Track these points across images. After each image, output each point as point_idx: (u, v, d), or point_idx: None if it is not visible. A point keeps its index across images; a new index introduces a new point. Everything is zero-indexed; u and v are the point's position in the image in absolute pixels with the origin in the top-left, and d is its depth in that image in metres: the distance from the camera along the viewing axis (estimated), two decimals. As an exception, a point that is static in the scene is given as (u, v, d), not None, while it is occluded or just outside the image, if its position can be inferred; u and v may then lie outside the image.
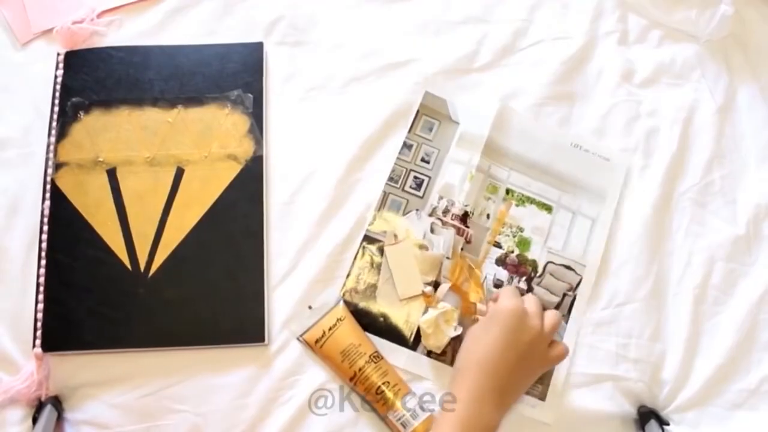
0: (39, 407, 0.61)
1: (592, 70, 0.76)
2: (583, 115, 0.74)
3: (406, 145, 0.71)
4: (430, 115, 0.73)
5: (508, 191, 0.71)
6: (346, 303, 0.66)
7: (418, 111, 0.73)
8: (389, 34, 0.76)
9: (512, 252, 0.69)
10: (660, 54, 0.77)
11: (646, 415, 0.63)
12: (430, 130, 0.72)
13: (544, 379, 0.64)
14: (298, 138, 0.71)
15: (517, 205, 0.70)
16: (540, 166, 0.72)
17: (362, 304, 0.66)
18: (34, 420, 0.60)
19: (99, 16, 0.75)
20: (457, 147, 0.72)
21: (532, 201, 0.70)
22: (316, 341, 0.64)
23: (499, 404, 0.56)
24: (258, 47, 0.74)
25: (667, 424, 0.62)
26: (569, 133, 0.73)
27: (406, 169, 0.71)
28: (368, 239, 0.68)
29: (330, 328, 0.64)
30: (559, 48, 0.76)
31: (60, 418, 0.61)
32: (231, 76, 0.72)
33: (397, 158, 0.71)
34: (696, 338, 0.67)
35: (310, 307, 0.66)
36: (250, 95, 0.71)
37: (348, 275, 0.67)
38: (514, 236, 0.69)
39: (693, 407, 0.64)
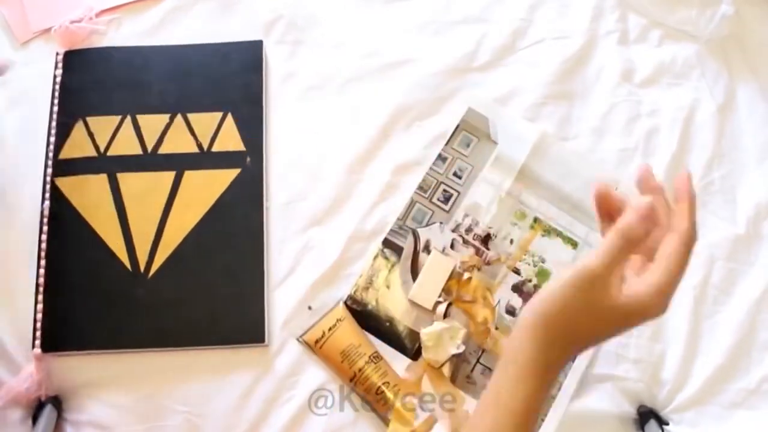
0: (39, 407, 0.61)
1: (592, 69, 0.76)
2: (582, 114, 0.74)
3: (441, 158, 0.71)
4: (470, 131, 0.72)
5: (535, 220, 0.70)
6: (355, 302, 0.66)
7: (458, 125, 0.72)
8: (389, 34, 0.76)
9: (530, 281, 0.68)
10: (660, 54, 0.77)
11: (646, 414, 0.63)
12: (468, 145, 0.71)
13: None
14: (298, 138, 0.71)
15: (542, 236, 0.69)
16: (572, 201, 0.70)
17: (371, 306, 0.66)
18: (34, 420, 0.60)
19: (98, 15, 0.74)
20: (492, 167, 0.71)
21: (558, 234, 0.69)
22: (316, 342, 0.64)
23: None
24: (257, 46, 0.73)
25: (667, 424, 0.62)
26: (609, 173, 0.71)
27: (437, 180, 0.70)
28: (387, 242, 0.67)
29: (330, 329, 0.64)
30: (558, 48, 0.76)
31: (60, 419, 0.61)
32: (231, 75, 0.72)
33: (430, 168, 0.70)
34: (696, 338, 0.67)
35: (309, 308, 0.66)
36: (250, 96, 0.71)
37: (361, 275, 0.67)
38: (535, 266, 0.68)
39: (692, 407, 0.64)
